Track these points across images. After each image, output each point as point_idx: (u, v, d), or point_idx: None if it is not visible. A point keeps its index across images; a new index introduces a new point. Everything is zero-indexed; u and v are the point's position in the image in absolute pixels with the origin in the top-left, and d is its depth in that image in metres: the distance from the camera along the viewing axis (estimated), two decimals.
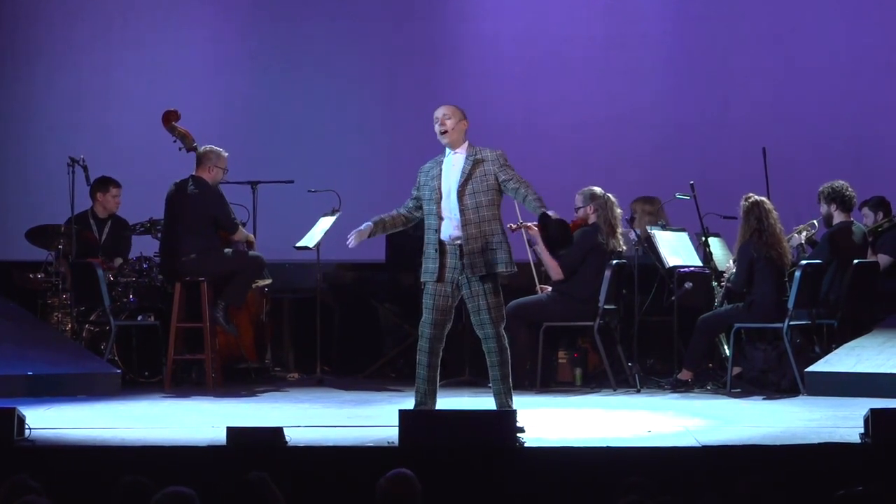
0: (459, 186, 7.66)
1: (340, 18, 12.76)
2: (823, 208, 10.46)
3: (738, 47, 12.72)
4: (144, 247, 11.11)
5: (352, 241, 7.87)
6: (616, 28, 12.72)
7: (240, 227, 10.50)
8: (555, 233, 7.67)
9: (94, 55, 12.76)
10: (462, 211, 7.65)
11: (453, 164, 7.76)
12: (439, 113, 7.79)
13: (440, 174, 7.76)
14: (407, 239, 9.93)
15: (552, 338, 10.42)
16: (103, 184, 11.24)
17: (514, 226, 9.07)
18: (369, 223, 7.89)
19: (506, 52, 12.75)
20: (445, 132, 7.75)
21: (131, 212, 11.24)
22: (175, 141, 10.59)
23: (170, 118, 10.61)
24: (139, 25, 12.75)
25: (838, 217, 10.40)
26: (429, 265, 7.74)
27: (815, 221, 10.62)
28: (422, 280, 7.81)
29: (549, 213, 7.59)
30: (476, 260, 7.65)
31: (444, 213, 7.71)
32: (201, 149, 10.42)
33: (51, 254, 10.94)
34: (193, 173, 10.37)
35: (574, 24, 12.74)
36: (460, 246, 7.66)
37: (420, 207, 7.87)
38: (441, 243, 7.70)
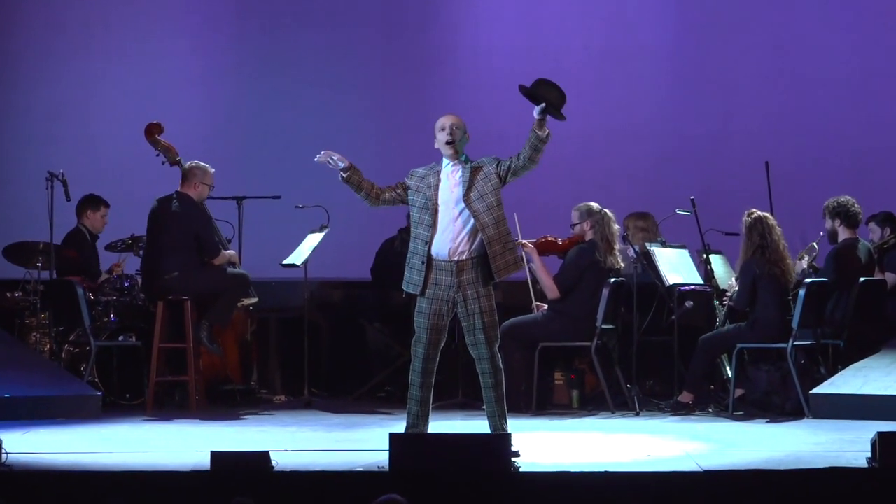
0: (464, 195, 7.52)
1: (329, 29, 12.78)
2: (828, 223, 10.39)
3: (740, 59, 12.79)
4: (127, 265, 11.05)
5: (320, 156, 7.71)
6: (614, 39, 12.77)
7: (222, 251, 10.39)
8: (542, 92, 7.67)
9: (74, 66, 12.72)
10: (476, 216, 7.50)
11: (451, 176, 7.60)
12: (448, 122, 7.64)
13: (437, 184, 7.60)
14: (395, 257, 9.93)
15: (548, 358, 10.35)
16: (94, 203, 11.20)
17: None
18: (348, 162, 7.67)
19: (501, 63, 12.75)
20: (452, 142, 7.60)
21: (113, 228, 11.20)
22: (158, 154, 10.56)
23: (153, 131, 10.56)
24: (122, 35, 12.72)
25: (843, 233, 10.32)
26: (413, 276, 7.62)
27: (814, 244, 10.55)
28: (404, 289, 7.69)
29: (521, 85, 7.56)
30: (499, 263, 7.54)
31: (440, 226, 7.56)
32: (186, 164, 10.40)
33: (28, 272, 10.84)
34: (178, 189, 10.30)
35: (571, 35, 12.79)
36: (457, 262, 7.52)
37: (397, 199, 7.69)
38: (430, 257, 7.55)
